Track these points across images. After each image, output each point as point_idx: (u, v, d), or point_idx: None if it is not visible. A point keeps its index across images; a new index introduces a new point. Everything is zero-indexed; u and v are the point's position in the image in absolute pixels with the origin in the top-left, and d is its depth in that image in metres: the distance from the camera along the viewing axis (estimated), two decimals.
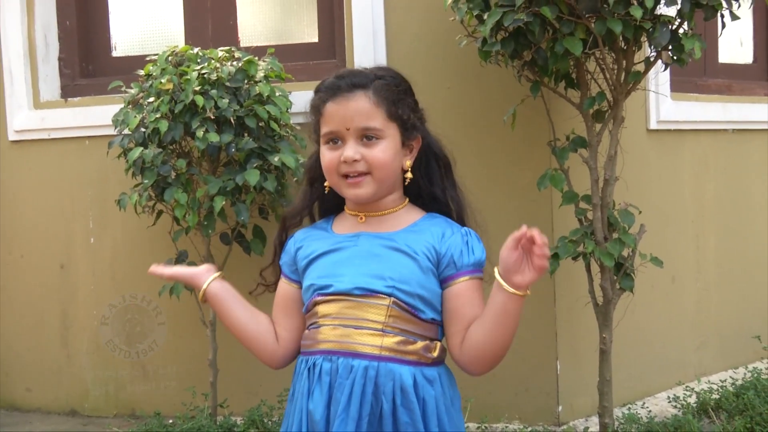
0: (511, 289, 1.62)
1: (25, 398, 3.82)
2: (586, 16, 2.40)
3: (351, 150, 1.74)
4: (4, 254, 3.80)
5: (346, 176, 1.76)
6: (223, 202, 2.86)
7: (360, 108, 1.74)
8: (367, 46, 3.30)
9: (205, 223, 2.97)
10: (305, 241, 1.87)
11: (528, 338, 3.19)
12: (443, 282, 1.76)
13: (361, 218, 1.83)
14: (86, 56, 3.83)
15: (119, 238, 3.63)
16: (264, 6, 3.77)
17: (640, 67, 2.66)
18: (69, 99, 3.72)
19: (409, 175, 1.82)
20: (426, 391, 1.73)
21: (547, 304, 3.21)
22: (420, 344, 1.74)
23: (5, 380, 3.86)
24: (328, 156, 1.78)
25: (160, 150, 2.89)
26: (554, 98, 2.85)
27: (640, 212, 2.82)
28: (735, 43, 4.29)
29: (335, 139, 1.77)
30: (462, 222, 1.87)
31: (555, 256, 2.69)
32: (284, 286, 1.89)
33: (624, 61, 2.63)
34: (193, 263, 3.17)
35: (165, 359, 3.61)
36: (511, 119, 2.83)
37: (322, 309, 1.77)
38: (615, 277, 2.76)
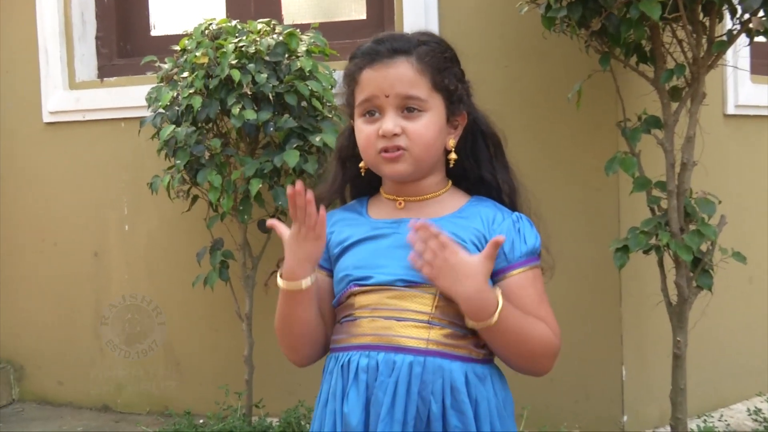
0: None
1: (57, 392, 3.65)
2: None
3: (391, 122, 1.54)
4: (38, 241, 3.64)
5: (383, 151, 1.56)
6: (260, 185, 2.64)
7: (402, 75, 1.54)
8: (418, 21, 3.06)
9: (241, 208, 2.75)
10: (337, 224, 1.67)
11: (591, 340, 2.92)
12: (494, 275, 1.54)
13: (400, 203, 1.63)
14: (124, 35, 3.65)
15: (154, 226, 3.44)
16: None
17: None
18: (105, 79, 3.54)
19: (453, 156, 1.62)
20: (478, 390, 1.52)
21: (612, 303, 2.92)
22: (470, 337, 1.53)
23: (36, 373, 3.70)
24: (365, 130, 1.58)
25: (194, 128, 2.68)
26: (624, 74, 2.58)
27: (720, 202, 2.53)
28: None
29: (372, 111, 1.57)
30: (513, 207, 1.66)
31: (624, 249, 2.42)
32: (315, 274, 1.64)
33: (706, 31, 2.34)
34: (229, 252, 2.96)
35: (200, 354, 3.41)
36: (576, 97, 2.56)
37: (359, 300, 1.56)
38: (691, 274, 2.47)
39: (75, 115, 3.53)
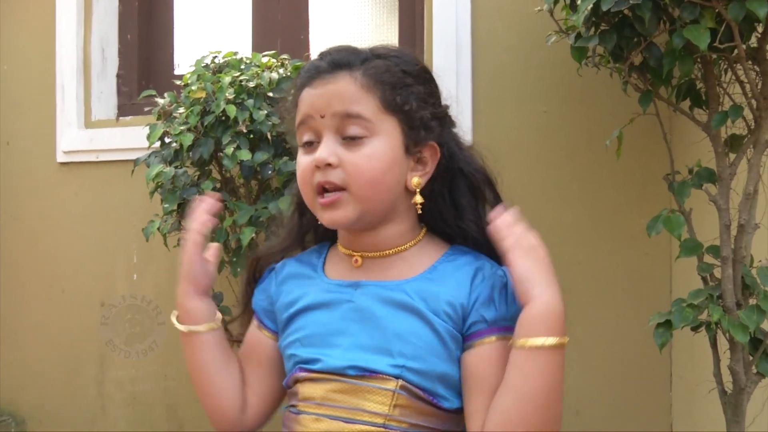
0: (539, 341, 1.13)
1: None
2: None
3: (325, 149, 1.23)
4: (46, 288, 3.41)
5: (320, 192, 1.25)
6: (253, 235, 2.34)
7: (341, 90, 1.24)
8: (449, 61, 2.75)
9: (234, 259, 2.46)
10: (287, 282, 1.38)
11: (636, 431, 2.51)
12: (466, 340, 1.21)
13: (356, 261, 1.31)
14: (146, 73, 3.45)
15: (162, 277, 3.17)
16: (339, 20, 3.30)
17: None
18: (121, 118, 3.33)
19: (418, 198, 1.28)
20: None
21: (661, 389, 2.51)
22: None
23: (38, 428, 3.44)
24: (301, 163, 1.29)
25: (184, 169, 2.42)
26: (674, 118, 2.21)
27: None
28: None
29: (310, 140, 1.27)
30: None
31: (667, 325, 2.02)
32: (256, 334, 1.41)
33: None
34: (227, 309, 2.67)
35: (203, 417, 3.10)
36: (616, 145, 2.19)
37: (304, 390, 1.26)
38: (750, 357, 2.05)
39: (88, 155, 3.32)
